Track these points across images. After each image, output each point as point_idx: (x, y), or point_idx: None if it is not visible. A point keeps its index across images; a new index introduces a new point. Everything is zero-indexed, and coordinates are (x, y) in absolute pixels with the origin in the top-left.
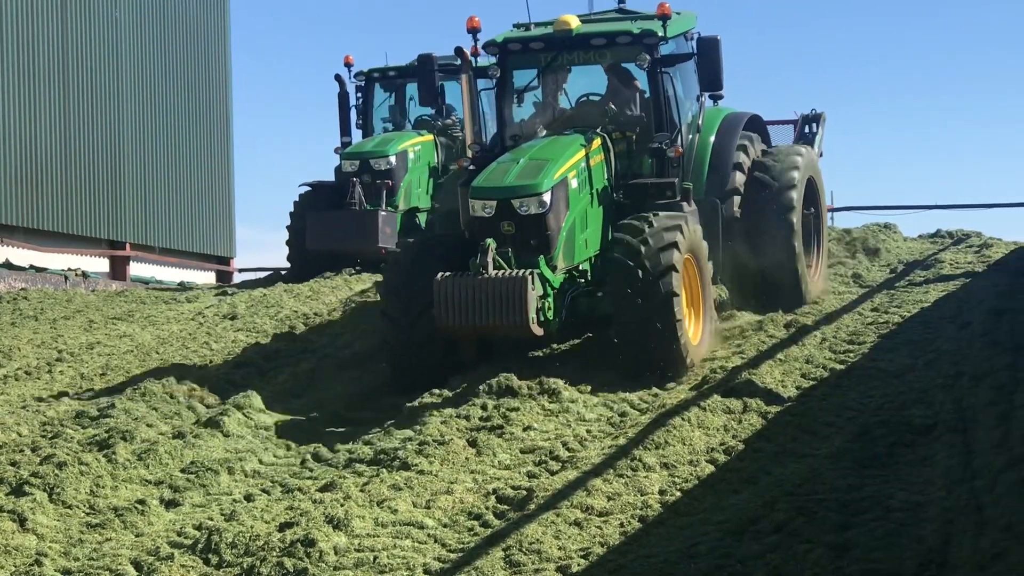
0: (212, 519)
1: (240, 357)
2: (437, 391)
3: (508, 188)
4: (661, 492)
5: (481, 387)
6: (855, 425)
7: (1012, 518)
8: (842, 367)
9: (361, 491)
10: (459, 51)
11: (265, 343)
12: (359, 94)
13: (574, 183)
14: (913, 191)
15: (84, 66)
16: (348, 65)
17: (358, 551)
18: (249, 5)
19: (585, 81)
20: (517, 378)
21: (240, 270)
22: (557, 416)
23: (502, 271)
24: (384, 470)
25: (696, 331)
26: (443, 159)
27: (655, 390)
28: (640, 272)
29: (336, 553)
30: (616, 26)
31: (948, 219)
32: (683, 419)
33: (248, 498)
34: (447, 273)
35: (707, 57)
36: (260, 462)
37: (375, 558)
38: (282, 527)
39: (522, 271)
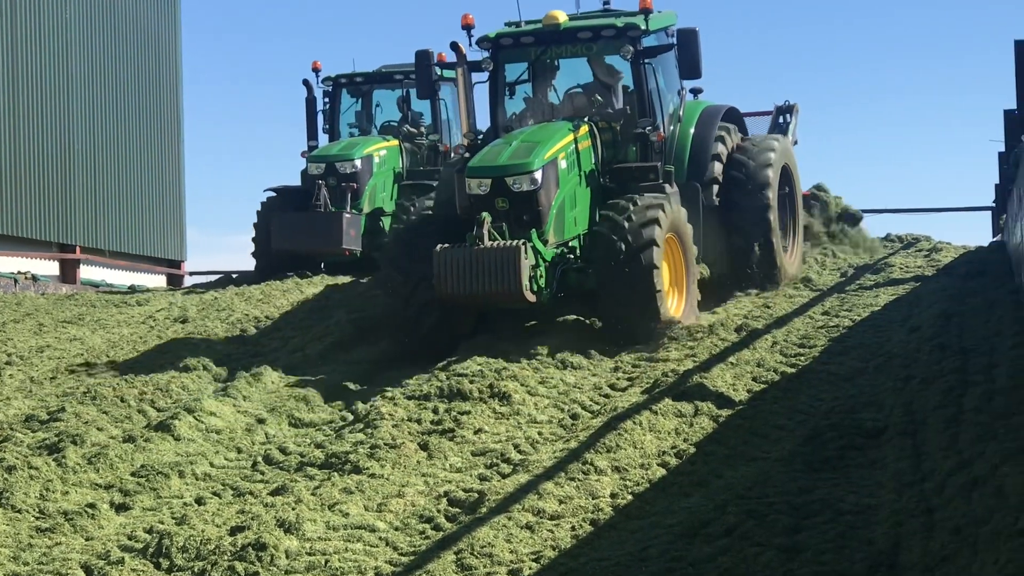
0: (163, 523)
1: (191, 361)
2: (389, 392)
3: (502, 167)
4: (612, 495)
5: (432, 390)
6: (806, 428)
7: (961, 521)
8: (793, 371)
9: (312, 495)
10: (455, 46)
11: (217, 346)
12: (326, 99)
13: (563, 164)
14: (863, 194)
15: (34, 68)
16: (316, 70)
17: (309, 555)
18: (211, 13)
19: (572, 75)
20: (468, 381)
21: (191, 273)
22: (508, 419)
23: (497, 242)
24: (336, 473)
25: (679, 307)
26: (408, 164)
27: (607, 391)
28: (623, 245)
29: (287, 557)
30: (601, 20)
31: (898, 223)
32: (634, 422)
33: (199, 501)
34: (446, 245)
35: (686, 47)
36: (211, 465)
37: (326, 562)
38: (233, 531)
39: (515, 241)
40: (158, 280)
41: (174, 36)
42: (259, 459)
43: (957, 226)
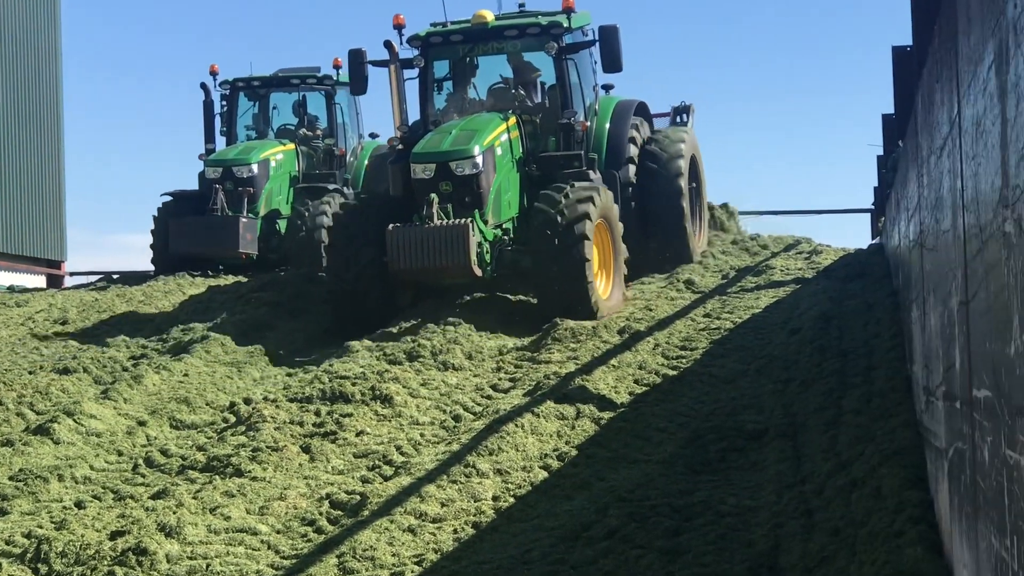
0: (42, 527)
1: (71, 363)
2: (272, 395)
3: (445, 152)
4: (495, 498)
5: (314, 393)
6: (687, 431)
7: (840, 522)
8: (674, 373)
9: (194, 498)
10: (388, 44)
11: (97, 348)
12: (224, 103)
13: (499, 151)
14: (744, 196)
15: None
16: (213, 74)
17: (191, 559)
18: (110, 14)
19: (491, 73)
20: (350, 383)
21: (72, 273)
22: (390, 421)
23: (445, 220)
24: (217, 476)
25: (606, 287)
26: (304, 167)
27: (489, 392)
28: (558, 227)
29: (168, 561)
30: (526, 19)
31: (778, 225)
32: (517, 425)
33: (79, 505)
34: (397, 224)
35: (608, 42)
36: (91, 468)
37: (208, 566)
38: (113, 535)
39: (463, 219)
40: (38, 280)
41: (53, 33)
42: (140, 462)
43: (837, 229)
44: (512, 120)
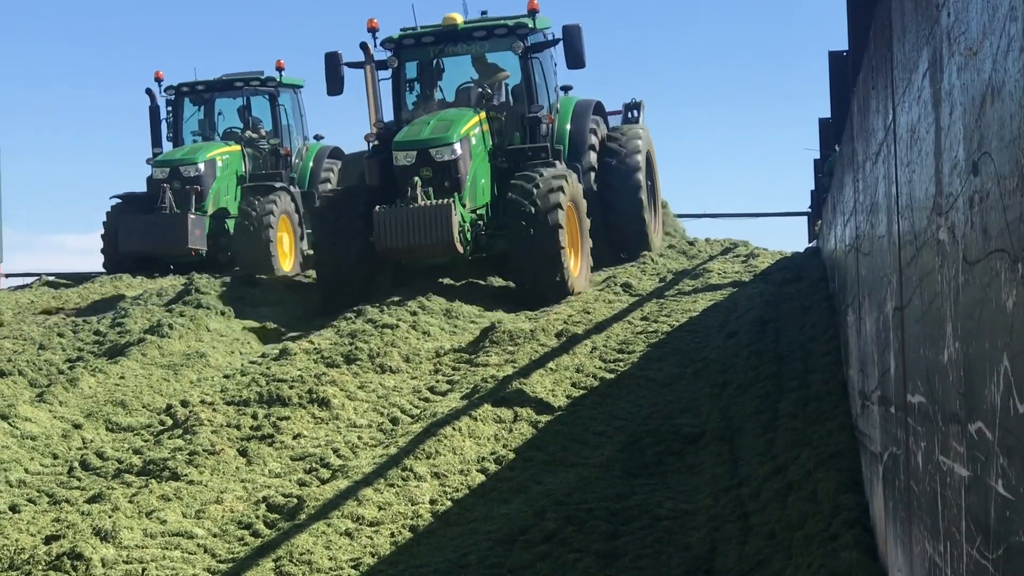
0: None
1: (6, 365)
2: (209, 398)
3: (426, 140)
4: (432, 501)
5: (251, 396)
6: (624, 434)
7: (776, 526)
8: (612, 376)
9: (130, 502)
10: (363, 46)
11: (32, 351)
12: (169, 108)
13: (473, 140)
14: (681, 198)
15: None
16: (158, 80)
17: (126, 563)
18: (55, 20)
19: (460, 75)
20: (287, 386)
21: (7, 275)
22: (327, 423)
23: (428, 201)
24: (154, 480)
25: (576, 266)
26: (250, 168)
27: (427, 395)
28: (532, 210)
29: (104, 566)
30: (494, 21)
31: (715, 228)
32: (454, 428)
33: (13, 509)
34: (384, 206)
35: (571, 41)
36: (26, 472)
37: (144, 570)
38: (48, 540)
39: (445, 200)
40: None
41: None
42: (76, 465)
43: (775, 232)
44: (482, 115)
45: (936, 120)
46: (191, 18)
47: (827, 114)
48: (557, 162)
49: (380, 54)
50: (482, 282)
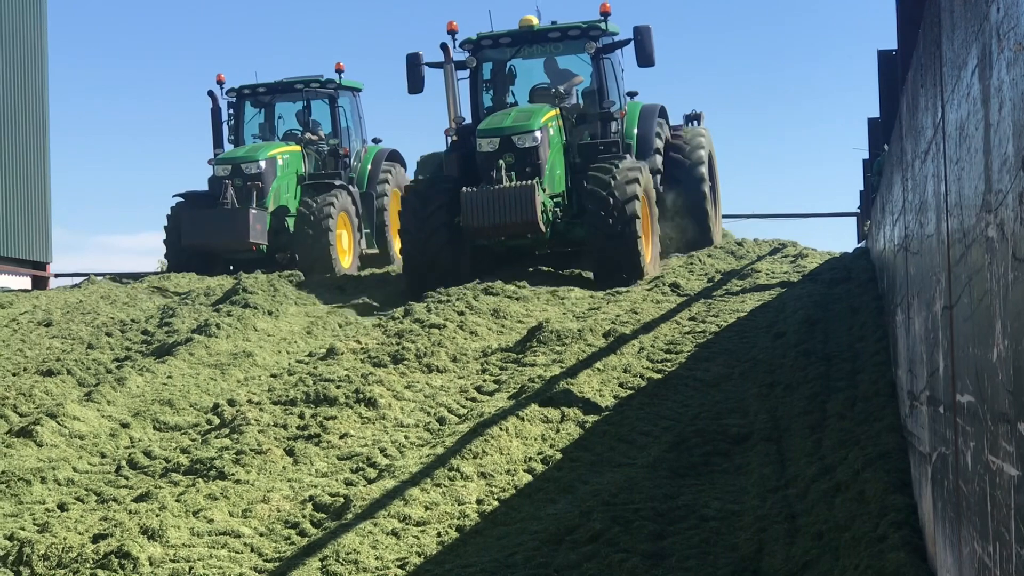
0: (24, 529)
1: (55, 364)
2: (256, 397)
3: (509, 127)
4: (479, 501)
5: (298, 395)
6: (671, 434)
7: (823, 526)
8: (659, 376)
9: (177, 501)
10: (444, 47)
11: (81, 350)
12: (231, 110)
13: (551, 130)
14: (730, 199)
15: None
16: (220, 83)
17: (173, 562)
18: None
19: (534, 77)
20: (334, 386)
21: (56, 275)
22: (374, 423)
23: (514, 182)
24: (200, 480)
25: (648, 251)
26: (309, 168)
27: (473, 395)
28: (611, 200)
29: (151, 564)
30: (568, 23)
31: (764, 229)
32: (501, 428)
33: (62, 508)
34: (471, 188)
35: (641, 41)
36: (74, 471)
37: (191, 569)
38: (96, 538)
39: (529, 181)
40: (23, 282)
41: (40, 35)
42: (123, 464)
43: (823, 232)
44: (557, 110)
45: (985, 117)
46: (252, 22)
47: (876, 113)
48: (628, 156)
49: (458, 55)
50: (547, 268)
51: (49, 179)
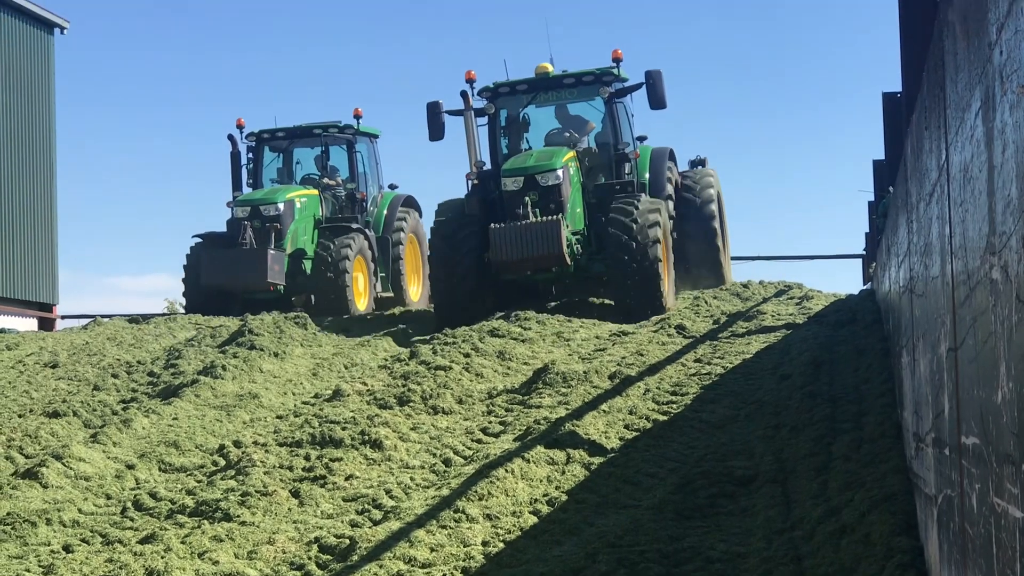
0: (30, 572)
1: (61, 406)
2: (261, 439)
3: (532, 167)
4: (484, 543)
5: (304, 437)
6: (677, 476)
7: (829, 569)
8: (665, 418)
9: (182, 543)
10: (463, 95)
11: (87, 392)
12: (250, 154)
13: (571, 170)
14: (735, 240)
15: None
16: (240, 127)
17: None
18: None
19: (548, 123)
20: (340, 428)
21: (63, 317)
22: (380, 465)
23: (540, 218)
24: (206, 521)
25: (667, 285)
26: (327, 212)
27: (479, 436)
28: (634, 244)
29: None
30: (582, 70)
31: (768, 270)
32: (506, 470)
33: (67, 549)
34: (499, 224)
35: (653, 84)
36: (80, 512)
37: None
38: None
39: (554, 216)
40: (29, 323)
41: (48, 78)
42: (129, 505)
43: (828, 274)
44: (574, 152)
45: (989, 159)
46: (269, 69)
47: (880, 155)
48: (643, 194)
49: (477, 102)
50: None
51: (56, 222)
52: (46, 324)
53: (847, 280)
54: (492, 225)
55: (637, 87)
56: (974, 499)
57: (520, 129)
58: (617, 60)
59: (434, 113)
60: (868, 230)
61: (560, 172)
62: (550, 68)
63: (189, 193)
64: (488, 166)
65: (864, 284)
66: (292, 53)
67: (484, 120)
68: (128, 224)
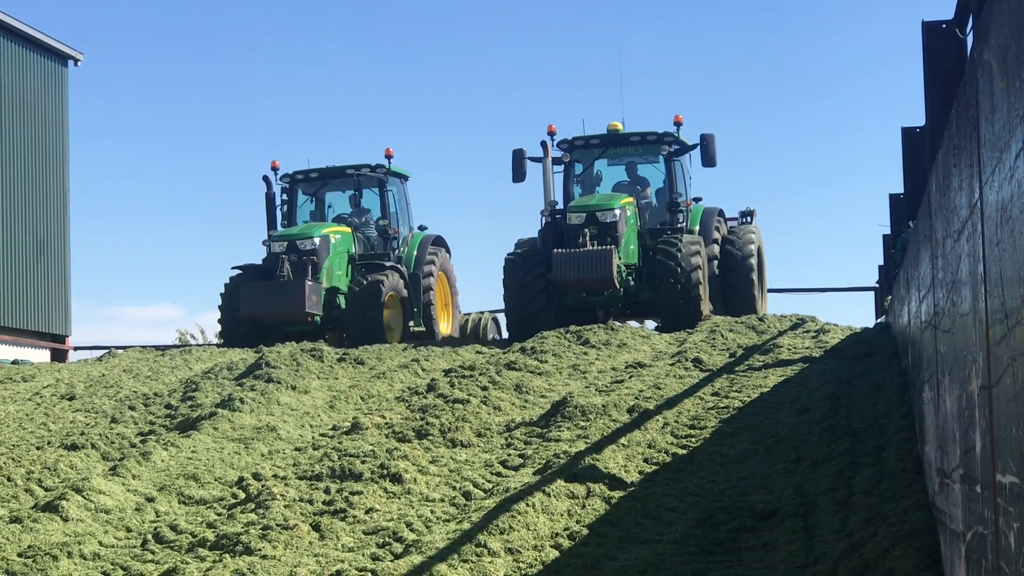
0: None
1: (79, 439)
2: (281, 472)
3: (594, 205)
4: None
5: (324, 470)
6: (698, 510)
7: None
8: (684, 452)
9: None
10: (543, 145)
11: (105, 424)
12: (284, 195)
13: (628, 212)
14: None
15: None
16: (274, 169)
17: None
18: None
19: (616, 176)
20: (359, 461)
21: (76, 348)
22: (400, 498)
23: (595, 247)
24: (227, 555)
25: (706, 308)
26: (360, 249)
27: (499, 469)
28: (679, 270)
29: None
30: (646, 130)
31: (784, 303)
32: (527, 503)
33: None
34: (561, 250)
35: (706, 145)
36: (100, 545)
37: None
38: None
39: (608, 246)
40: (42, 355)
41: (62, 110)
42: (149, 538)
43: (840, 306)
44: (633, 199)
45: None
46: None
47: (896, 189)
48: (687, 234)
49: (555, 151)
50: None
51: (69, 253)
52: (59, 355)
53: (857, 313)
54: (555, 251)
55: (692, 147)
56: (1012, 538)
57: (593, 183)
58: (678, 124)
59: (519, 159)
60: (883, 263)
61: (617, 212)
62: (620, 126)
63: (196, 224)
64: (560, 205)
65: (878, 317)
66: (320, 96)
67: (560, 168)
68: (131, 254)
